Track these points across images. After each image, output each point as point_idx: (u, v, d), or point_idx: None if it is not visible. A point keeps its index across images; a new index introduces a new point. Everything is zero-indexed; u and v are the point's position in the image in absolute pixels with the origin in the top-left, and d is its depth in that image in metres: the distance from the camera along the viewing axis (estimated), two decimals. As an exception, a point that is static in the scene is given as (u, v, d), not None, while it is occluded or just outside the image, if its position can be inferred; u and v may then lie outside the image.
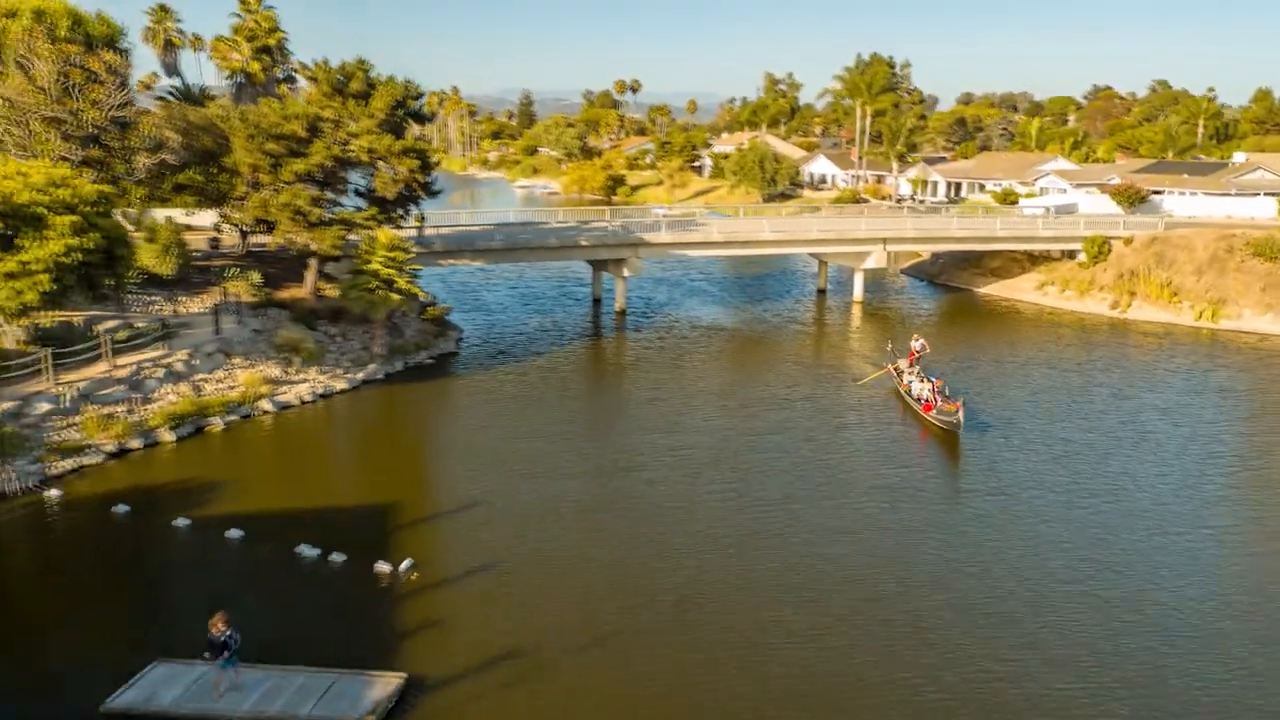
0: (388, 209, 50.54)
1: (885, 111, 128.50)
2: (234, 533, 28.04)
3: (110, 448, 35.20)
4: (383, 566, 25.97)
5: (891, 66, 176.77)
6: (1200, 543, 28.51)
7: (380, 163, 49.33)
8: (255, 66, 77.93)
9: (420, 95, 53.04)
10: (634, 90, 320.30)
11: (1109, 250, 68.42)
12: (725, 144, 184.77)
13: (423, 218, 57.45)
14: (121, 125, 45.83)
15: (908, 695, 20.60)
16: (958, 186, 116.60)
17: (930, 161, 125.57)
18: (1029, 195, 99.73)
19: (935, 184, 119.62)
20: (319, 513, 29.96)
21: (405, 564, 26.03)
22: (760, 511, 30.59)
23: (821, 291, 71.99)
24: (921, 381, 42.70)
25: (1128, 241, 68.36)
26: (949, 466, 35.48)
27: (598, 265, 64.46)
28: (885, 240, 65.70)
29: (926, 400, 40.79)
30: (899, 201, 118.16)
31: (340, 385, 44.66)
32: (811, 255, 72.36)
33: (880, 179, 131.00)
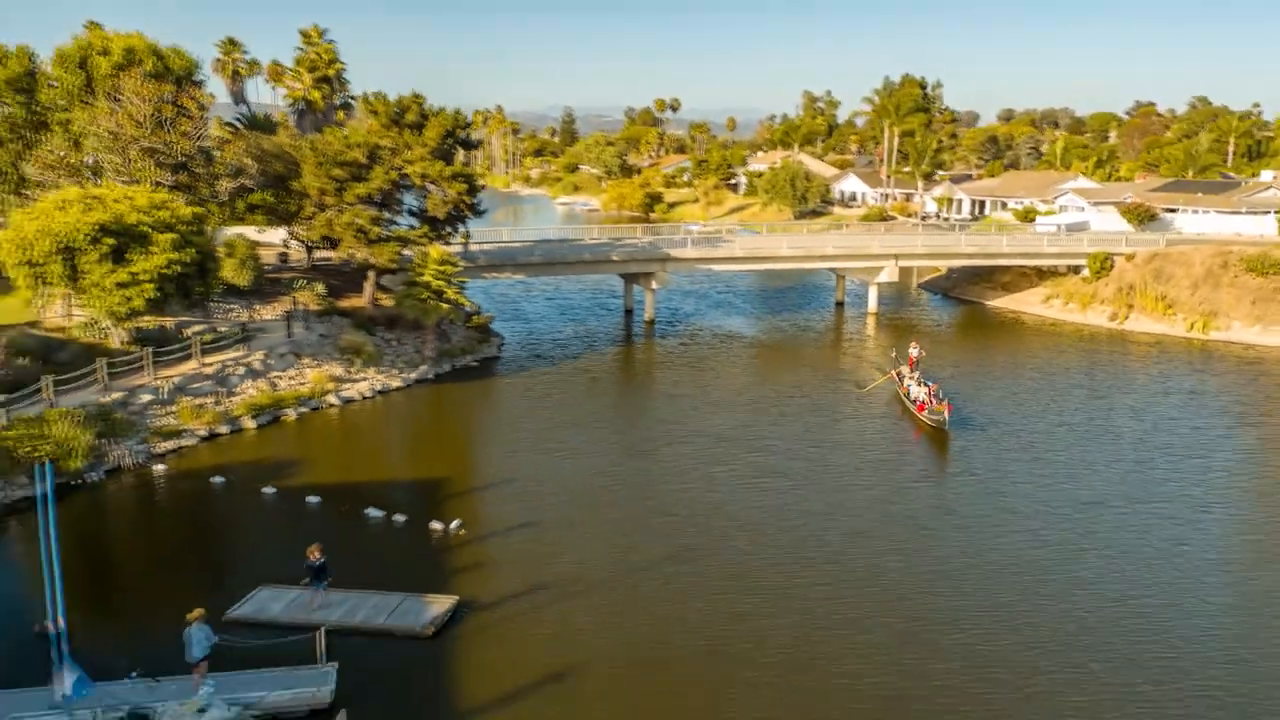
0: (438, 227, 56.33)
1: (913, 132, 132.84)
2: (312, 498, 33.63)
3: (202, 432, 41.10)
4: (436, 525, 31.37)
5: (923, 87, 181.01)
6: (1136, 514, 33.08)
7: (432, 186, 55.19)
8: (316, 95, 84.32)
9: (468, 125, 58.97)
10: (673, 109, 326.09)
11: (1111, 265, 72.52)
12: (760, 162, 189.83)
13: (469, 235, 63.14)
14: (206, 153, 52.11)
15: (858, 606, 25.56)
16: (982, 204, 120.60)
17: (956, 180, 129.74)
18: (1048, 213, 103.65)
19: (960, 202, 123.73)
20: (381, 484, 35.48)
21: (454, 523, 31.42)
22: (757, 483, 35.62)
23: (840, 304, 76.75)
24: (919, 385, 47.39)
25: (1129, 258, 72.47)
26: (935, 455, 40.23)
27: (629, 278, 69.81)
28: (897, 256, 70.47)
29: (920, 401, 45.51)
30: (924, 219, 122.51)
31: (396, 383, 50.38)
32: (829, 270, 77.15)
33: (908, 197, 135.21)
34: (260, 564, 28.15)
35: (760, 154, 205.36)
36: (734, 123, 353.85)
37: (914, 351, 51.70)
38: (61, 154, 50.74)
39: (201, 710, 20.20)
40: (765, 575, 28.29)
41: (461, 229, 59.40)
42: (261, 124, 79.51)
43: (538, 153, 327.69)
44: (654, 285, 66.59)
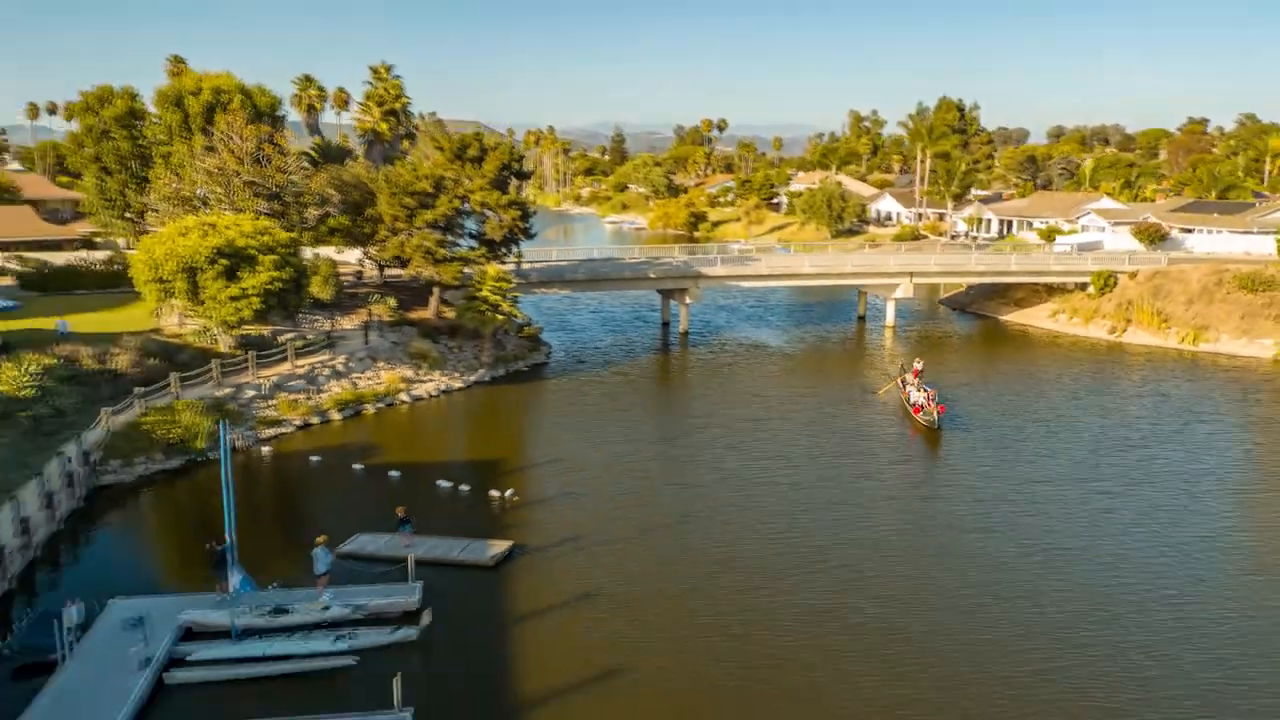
0: (495, 248, 63.93)
1: (947, 154, 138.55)
2: (394, 473, 41.10)
3: (298, 422, 48.86)
4: (494, 493, 38.60)
5: (960, 109, 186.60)
6: (1077, 489, 39.29)
7: (489, 212, 62.85)
8: (383, 126, 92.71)
9: (521, 158, 66.58)
10: (720, 129, 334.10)
11: (1115, 283, 78.13)
12: (802, 182, 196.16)
13: (521, 254, 70.62)
14: (296, 184, 60.25)
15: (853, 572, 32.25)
16: (1009, 224, 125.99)
17: (986, 201, 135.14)
18: (1071, 232, 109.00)
19: (989, 221, 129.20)
20: (448, 464, 42.81)
21: (509, 491, 38.63)
22: (759, 464, 42.40)
23: (861, 318, 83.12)
24: (919, 392, 53.70)
25: (1132, 276, 78.03)
26: (926, 449, 46.59)
27: (665, 294, 76.90)
28: (912, 274, 76.81)
29: (918, 405, 51.89)
30: (954, 238, 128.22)
31: (457, 384, 57.93)
32: (850, 286, 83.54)
33: (941, 216, 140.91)
34: (355, 518, 35.50)
35: (801, 174, 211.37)
36: (780, 142, 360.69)
37: (918, 365, 57.85)
38: (175, 186, 58.89)
39: (325, 608, 27.57)
40: (748, 526, 35.07)
41: (515, 249, 66.88)
42: (335, 153, 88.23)
43: (588, 171, 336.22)
44: (688, 300, 73.62)
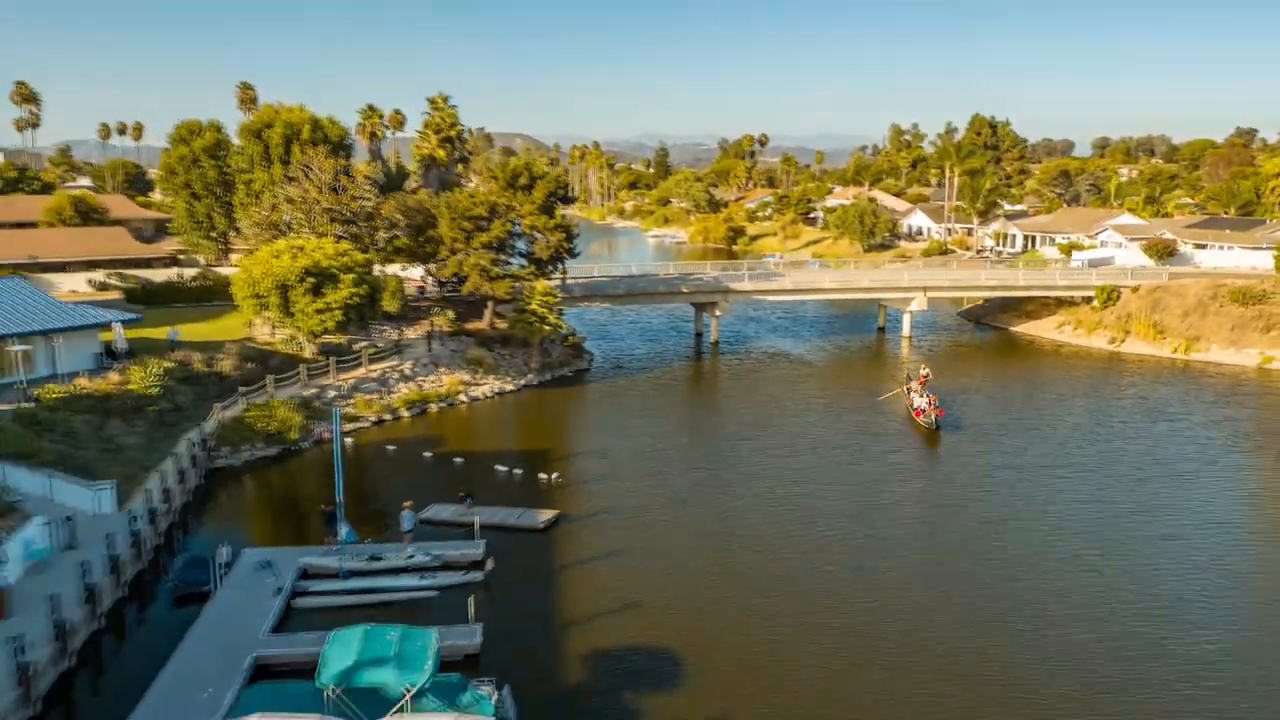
0: (542, 266, 71.42)
1: (980, 170, 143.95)
2: (458, 460, 48.56)
3: (373, 418, 56.57)
4: (542, 475, 45.87)
5: (992, 126, 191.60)
6: (1044, 477, 45.67)
7: (538, 234, 70.38)
8: (440, 153, 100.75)
9: (566, 186, 74.07)
10: (761, 144, 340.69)
11: (1118, 296, 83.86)
12: (838, 197, 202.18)
13: (566, 271, 78.01)
14: (369, 211, 68.23)
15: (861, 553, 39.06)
16: (1033, 239, 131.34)
17: (1011, 217, 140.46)
18: (1090, 247, 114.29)
19: (1014, 237, 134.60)
20: (503, 452, 50.14)
21: (555, 475, 45.89)
22: (768, 452, 49.24)
23: (881, 329, 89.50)
24: (921, 397, 60.06)
25: (1135, 290, 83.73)
26: (924, 446, 53.10)
27: (698, 307, 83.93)
28: (925, 288, 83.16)
29: (920, 408, 58.32)
30: (979, 252, 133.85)
31: (509, 387, 65.43)
32: (869, 299, 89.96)
33: (969, 231, 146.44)
34: (428, 493, 42.90)
35: (838, 189, 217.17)
36: (821, 156, 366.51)
37: (923, 371, 64.16)
38: (265, 213, 67.09)
39: (409, 556, 34.96)
40: (755, 499, 41.98)
41: (561, 267, 74.31)
42: (396, 179, 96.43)
43: (632, 185, 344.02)
44: (717, 313, 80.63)
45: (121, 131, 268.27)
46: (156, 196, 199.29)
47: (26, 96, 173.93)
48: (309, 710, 22.54)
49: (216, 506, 43.42)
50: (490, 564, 34.64)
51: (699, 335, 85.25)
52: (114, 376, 49.67)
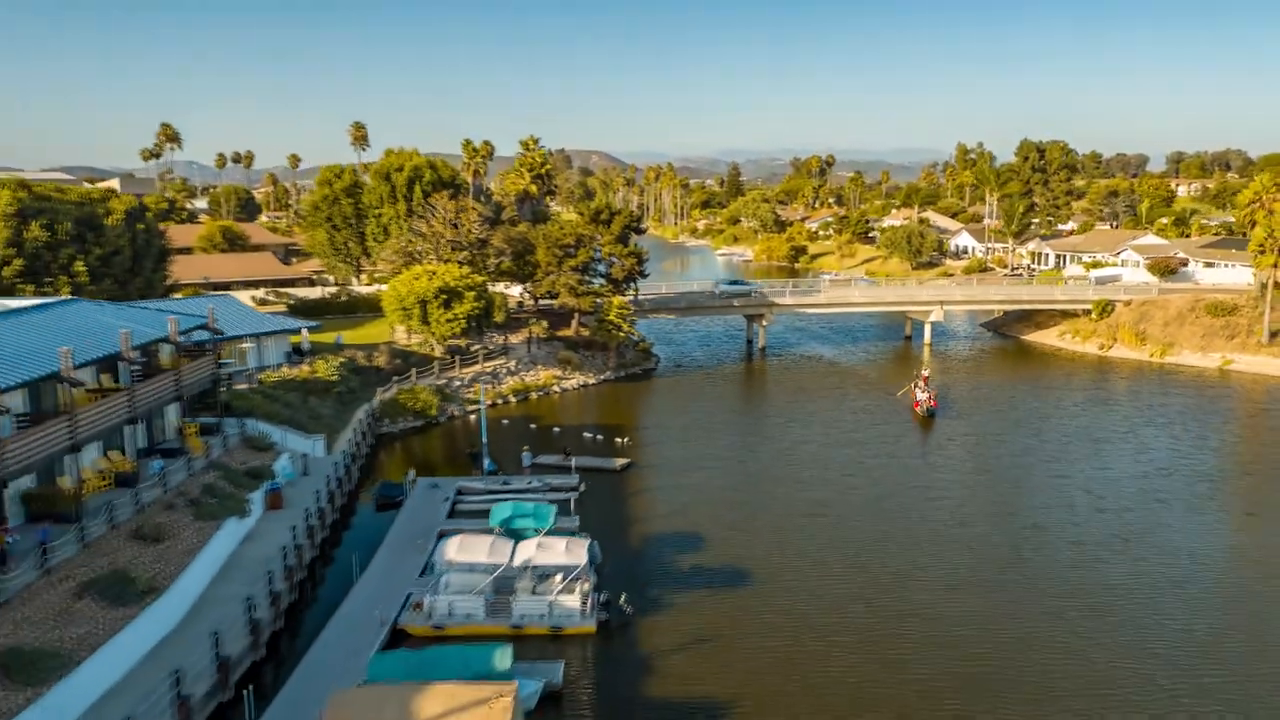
0: (619, 285, 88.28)
1: (1015, 195, 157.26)
2: (556, 429, 65.49)
3: (488, 403, 73.89)
4: (618, 439, 62.50)
5: (1040, 151, 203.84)
6: (1005, 451, 60.76)
7: (615, 259, 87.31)
8: (532, 188, 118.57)
9: (640, 219, 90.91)
10: (829, 164, 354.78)
11: (1112, 309, 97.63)
12: (895, 217, 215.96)
13: (638, 289, 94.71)
14: (482, 241, 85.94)
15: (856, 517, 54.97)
16: (1064, 258, 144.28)
17: (1045, 238, 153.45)
18: (1111, 264, 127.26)
19: (1046, 255, 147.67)
20: (589, 424, 66.81)
21: (626, 439, 62.51)
22: (794, 431, 65.13)
23: (908, 337, 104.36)
24: (923, 392, 75.04)
25: (1127, 303, 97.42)
26: (920, 429, 68.37)
27: (749, 318, 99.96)
28: (942, 302, 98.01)
29: (919, 400, 73.45)
30: (1014, 270, 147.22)
31: (591, 381, 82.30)
32: (895, 312, 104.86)
33: (1012, 250, 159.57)
34: (536, 448, 59.72)
35: (895, 211, 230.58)
36: (887, 176, 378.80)
37: (925, 373, 78.94)
38: (404, 244, 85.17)
39: (529, 482, 51.84)
40: (780, 454, 57.93)
41: (634, 285, 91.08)
42: (497, 210, 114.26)
43: (705, 204, 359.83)
44: (764, 323, 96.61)
45: (236, 160, 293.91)
46: (263, 219, 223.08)
47: (171, 137, 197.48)
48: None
49: (388, 456, 61.08)
50: (582, 487, 51.33)
51: (750, 342, 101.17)
52: (305, 368, 67.81)
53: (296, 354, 71.84)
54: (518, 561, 36.93)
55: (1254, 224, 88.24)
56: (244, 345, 65.29)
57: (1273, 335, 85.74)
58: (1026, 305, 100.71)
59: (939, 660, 33.33)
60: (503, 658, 29.63)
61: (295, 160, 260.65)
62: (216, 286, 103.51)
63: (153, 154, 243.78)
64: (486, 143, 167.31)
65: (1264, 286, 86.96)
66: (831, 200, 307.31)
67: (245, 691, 30.24)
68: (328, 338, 78.56)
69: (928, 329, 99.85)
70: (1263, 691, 31.22)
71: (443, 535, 43.37)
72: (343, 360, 70.71)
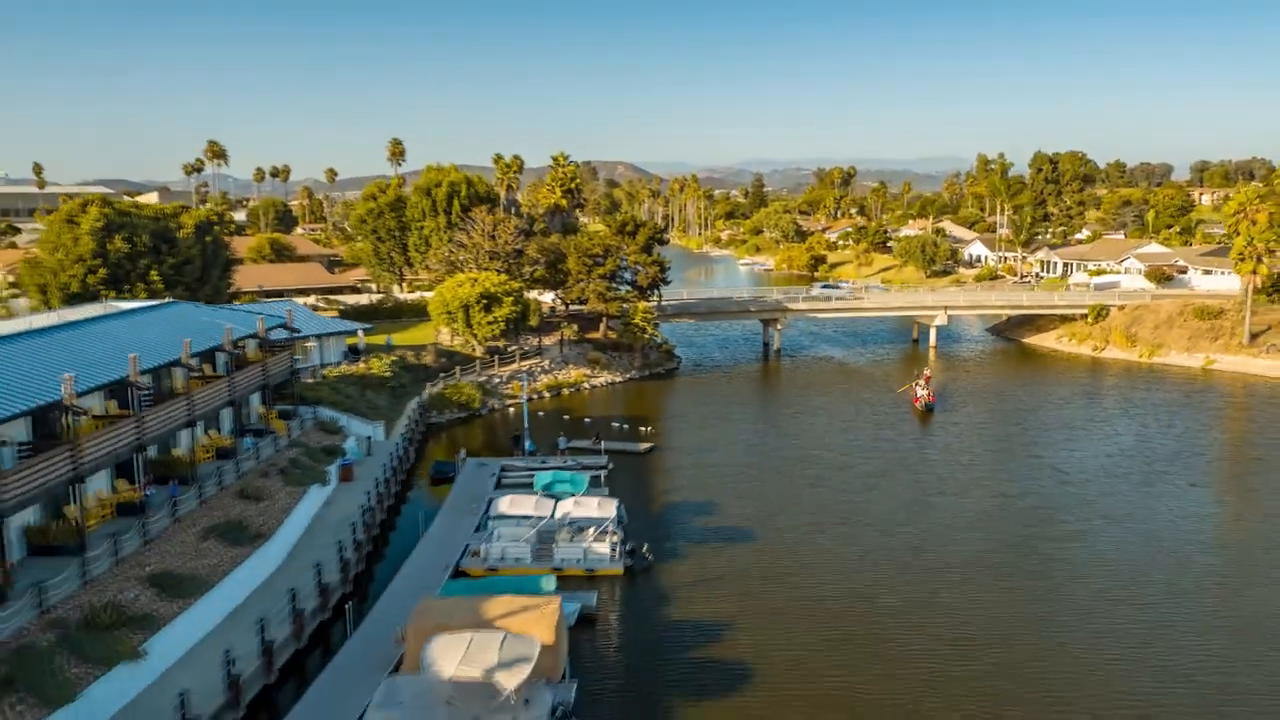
0: (643, 291, 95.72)
1: (1023, 206, 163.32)
2: (587, 420, 72.90)
3: (524, 396, 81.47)
4: (642, 428, 69.82)
5: (1053, 162, 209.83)
6: (991, 438, 67.55)
7: (640, 267, 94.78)
8: (563, 202, 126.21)
9: (664, 231, 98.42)
10: (850, 175, 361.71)
11: (1107, 313, 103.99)
12: (912, 228, 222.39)
13: (661, 294, 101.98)
14: (518, 251, 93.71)
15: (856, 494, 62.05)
16: (1071, 266, 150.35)
17: (1054, 246, 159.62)
18: (1114, 272, 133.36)
19: (1054, 264, 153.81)
20: (616, 415, 74.20)
21: (649, 428, 69.80)
22: (808, 418, 72.19)
23: (915, 340, 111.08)
24: (923, 389, 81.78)
25: (1121, 308, 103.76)
26: (918, 421, 75.26)
27: (765, 322, 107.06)
28: (945, 307, 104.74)
29: (918, 396, 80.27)
30: (1023, 278, 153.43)
31: (618, 379, 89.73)
32: (902, 317, 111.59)
33: (1022, 259, 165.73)
34: (571, 434, 67.12)
35: (911, 221, 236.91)
36: (909, 186, 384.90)
37: (926, 372, 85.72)
38: (447, 254, 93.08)
39: (564, 461, 59.24)
40: (786, 440, 65.03)
41: (657, 291, 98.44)
42: (529, 223, 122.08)
43: (729, 215, 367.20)
44: (779, 327, 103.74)
45: (274, 175, 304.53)
46: (299, 230, 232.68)
47: (217, 153, 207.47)
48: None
49: (436, 442, 68.78)
50: (610, 465, 58.67)
51: (766, 345, 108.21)
52: (360, 365, 75.66)
53: (353, 353, 79.74)
54: (558, 516, 44.42)
55: (1238, 233, 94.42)
56: (309, 344, 73.12)
57: (1253, 336, 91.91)
58: (1026, 310, 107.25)
59: (904, 589, 40.42)
60: (548, 583, 37.05)
61: (332, 175, 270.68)
62: (269, 294, 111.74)
63: (194, 168, 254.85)
64: (516, 157, 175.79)
65: (1245, 291, 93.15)
66: (854, 210, 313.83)
67: (345, 606, 37.89)
68: (379, 339, 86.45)
69: (933, 332, 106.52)
70: (1154, 596, 38.06)
71: (492, 501, 50.88)
72: (394, 359, 78.50)
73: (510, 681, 28.07)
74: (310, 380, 69.26)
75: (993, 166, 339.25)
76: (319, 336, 74.93)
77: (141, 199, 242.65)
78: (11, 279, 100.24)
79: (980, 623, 37.82)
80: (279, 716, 30.84)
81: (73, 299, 75.53)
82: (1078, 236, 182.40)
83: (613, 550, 43.23)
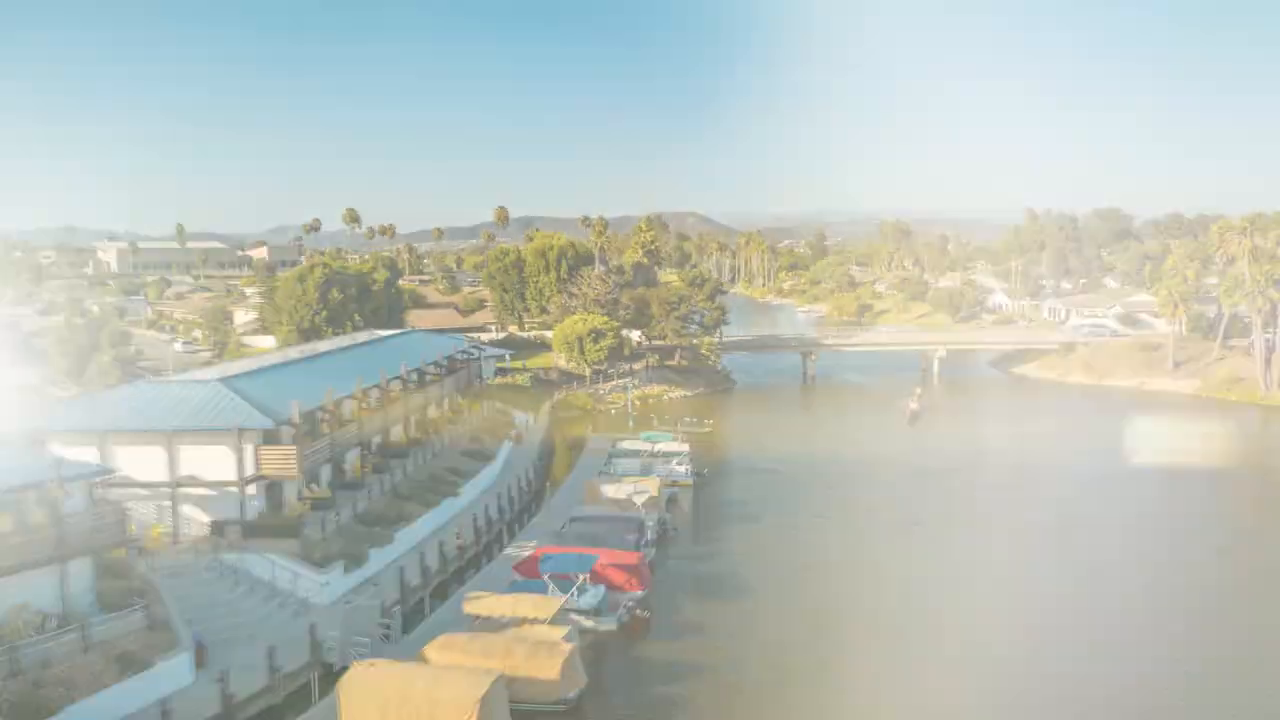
0: (708, 329, 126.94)
1: (1067, 257, 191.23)
2: (667, 416, 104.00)
3: (619, 407, 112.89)
4: (708, 421, 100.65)
5: (1074, 221, 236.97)
6: (949, 448, 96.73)
7: (706, 311, 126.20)
8: (644, 260, 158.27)
9: (732, 279, 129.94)
10: (904, 232, 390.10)
11: (1074, 348, 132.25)
12: (948, 279, 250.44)
13: (723, 332, 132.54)
14: (614, 299, 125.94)
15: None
16: (1069, 311, 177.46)
17: (1059, 295, 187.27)
18: (1102, 317, 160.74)
19: (1059, 310, 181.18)
20: (686, 415, 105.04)
21: (711, 421, 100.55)
22: (826, 425, 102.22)
23: (924, 370, 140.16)
24: (915, 404, 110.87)
25: (1085, 344, 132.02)
26: (906, 426, 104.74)
27: (802, 355, 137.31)
28: (945, 344, 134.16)
29: (911, 409, 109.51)
30: (1030, 321, 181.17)
31: (688, 394, 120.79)
32: (912, 351, 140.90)
33: (1035, 307, 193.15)
34: (658, 425, 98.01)
35: (949, 273, 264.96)
36: (957, 236, 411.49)
37: (918, 390, 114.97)
38: (565, 303, 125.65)
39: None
40: (810, 438, 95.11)
41: (719, 330, 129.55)
42: (620, 271, 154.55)
43: (792, 266, 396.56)
44: (813, 358, 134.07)
45: (383, 233, 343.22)
46: (401, 282, 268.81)
47: (353, 218, 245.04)
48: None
49: (568, 426, 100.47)
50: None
51: (804, 373, 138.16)
52: (506, 379, 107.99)
53: (500, 371, 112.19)
54: (655, 450, 75.61)
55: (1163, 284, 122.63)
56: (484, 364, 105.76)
57: (1176, 365, 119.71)
58: (1011, 346, 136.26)
59: (886, 536, 70.47)
60: (653, 480, 68.22)
61: (439, 233, 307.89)
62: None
63: (312, 228, 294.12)
64: (601, 218, 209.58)
65: (1173, 331, 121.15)
66: (909, 263, 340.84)
67: (502, 529, 69.45)
68: (516, 364, 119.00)
69: (936, 364, 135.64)
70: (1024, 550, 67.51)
71: (614, 446, 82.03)
72: (530, 375, 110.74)
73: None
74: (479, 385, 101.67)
75: (1041, 219, 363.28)
76: (483, 358, 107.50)
77: (253, 253, 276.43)
78: (255, 315, 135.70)
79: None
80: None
81: (305, 334, 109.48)
82: (1108, 283, 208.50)
83: (686, 470, 74.24)
